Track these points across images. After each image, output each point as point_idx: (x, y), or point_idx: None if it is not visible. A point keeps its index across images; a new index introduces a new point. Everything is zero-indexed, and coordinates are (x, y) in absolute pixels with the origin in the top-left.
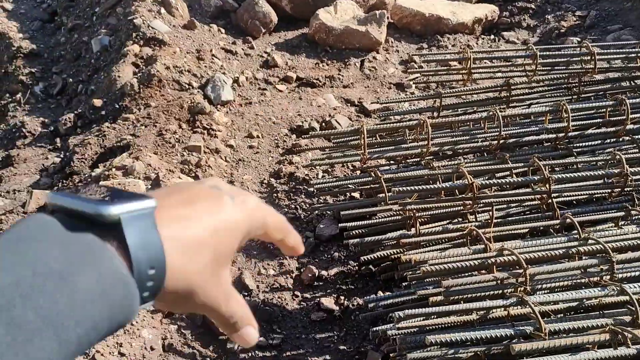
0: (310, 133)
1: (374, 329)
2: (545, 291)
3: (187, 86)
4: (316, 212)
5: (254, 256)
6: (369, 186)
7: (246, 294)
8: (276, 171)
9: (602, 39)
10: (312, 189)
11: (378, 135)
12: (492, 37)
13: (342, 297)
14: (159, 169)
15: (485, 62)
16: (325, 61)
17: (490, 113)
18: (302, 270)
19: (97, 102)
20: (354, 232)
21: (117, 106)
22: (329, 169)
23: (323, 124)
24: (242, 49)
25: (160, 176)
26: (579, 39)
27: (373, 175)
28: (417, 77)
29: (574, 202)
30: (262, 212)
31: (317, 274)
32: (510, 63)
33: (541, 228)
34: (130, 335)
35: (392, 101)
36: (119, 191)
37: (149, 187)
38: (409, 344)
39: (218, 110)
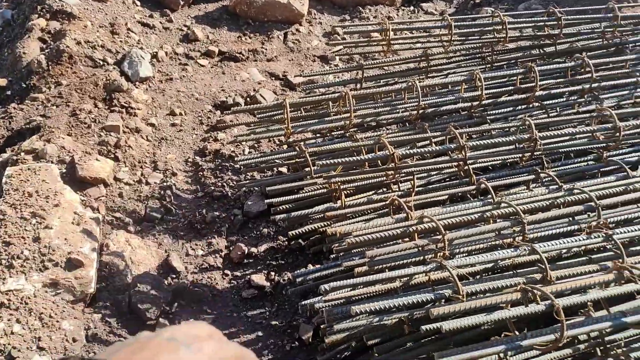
0: (232, 109)
1: (303, 302)
2: (464, 254)
3: (101, 62)
4: (243, 189)
5: (181, 237)
6: (294, 160)
7: (174, 276)
8: (201, 149)
9: (514, 9)
10: (238, 166)
11: (303, 109)
12: (412, 8)
13: (273, 273)
14: (74, 151)
15: (405, 33)
16: (247, 34)
17: (410, 84)
18: (231, 248)
19: (1, 82)
20: (281, 207)
21: (24, 85)
22: (256, 145)
23: (248, 98)
24: (160, 23)
25: (76, 159)
26: (492, 9)
27: (298, 149)
28: (340, 49)
29: (490, 167)
30: (219, 355)
31: (246, 252)
32: (428, 34)
33: (460, 194)
34: (49, 328)
35: (316, 74)
36: None
37: (64, 171)
38: (335, 315)
39: (137, 88)
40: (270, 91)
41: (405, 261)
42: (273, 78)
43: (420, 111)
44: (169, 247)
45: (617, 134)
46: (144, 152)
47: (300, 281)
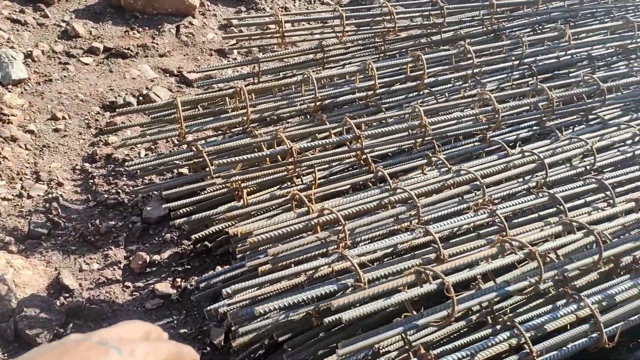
0: (117, 110)
1: (208, 308)
2: (366, 242)
3: None
4: (140, 194)
5: (72, 252)
6: (192, 161)
7: (67, 295)
8: (90, 154)
9: None
10: (133, 171)
11: (200, 106)
12: None
13: (179, 279)
14: None
15: (303, 24)
16: (136, 28)
17: (305, 76)
18: (131, 258)
19: None
20: (182, 210)
21: None
22: (153, 147)
23: (140, 97)
24: (34, 18)
25: None
26: None
27: (195, 149)
28: (236, 43)
29: (390, 154)
30: (153, 358)
31: (148, 260)
32: (322, 25)
33: (361, 183)
34: None
35: (212, 68)
36: None
37: None
38: (241, 317)
39: (9, 92)
40: (165, 88)
41: (308, 255)
42: (167, 74)
43: (318, 103)
44: (59, 264)
45: (497, 115)
46: (23, 163)
47: (204, 286)
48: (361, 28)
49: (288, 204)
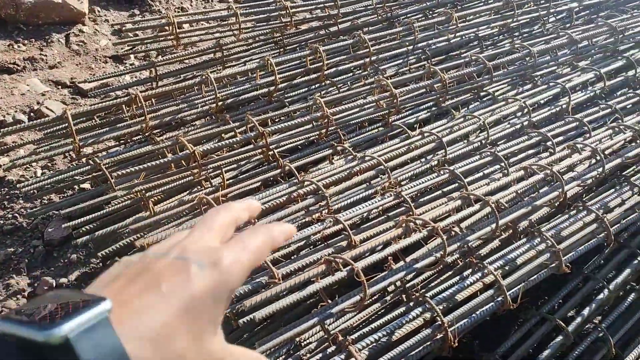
0: (5, 129)
1: None
2: None
3: None
4: (40, 216)
5: None
6: (91, 175)
7: None
8: None
9: None
10: (30, 191)
11: (98, 116)
12: None
13: None
14: None
15: (202, 24)
16: (21, 41)
17: (204, 77)
18: (36, 284)
19: None
20: (86, 227)
21: None
22: (50, 164)
23: (32, 113)
24: None
25: None
26: None
27: (92, 162)
28: (132, 48)
29: (299, 147)
30: (240, 264)
31: (55, 284)
32: (218, 23)
33: (271, 179)
34: None
35: (107, 76)
36: (68, 301)
37: None
38: None
39: None
40: (58, 102)
41: None
42: (59, 87)
43: (220, 103)
44: None
45: (395, 100)
46: None
47: None
48: (258, 24)
49: (198, 209)
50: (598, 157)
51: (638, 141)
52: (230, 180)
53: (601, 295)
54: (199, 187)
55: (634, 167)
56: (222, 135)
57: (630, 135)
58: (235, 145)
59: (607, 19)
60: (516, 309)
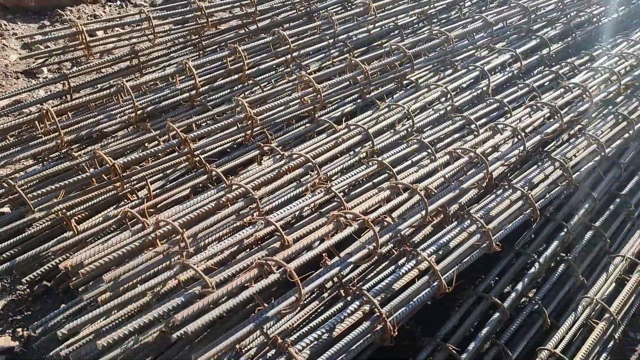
0: None
1: (48, 355)
2: (214, 244)
3: None
4: None
5: None
6: (8, 198)
7: None
8: None
9: None
10: None
11: (10, 136)
12: (119, 3)
13: (20, 329)
14: None
15: (118, 30)
16: None
17: (120, 86)
18: None
19: None
20: (6, 253)
21: None
22: None
23: None
24: None
25: None
26: None
27: (7, 184)
28: (45, 60)
29: (228, 149)
30: None
31: None
32: (131, 29)
33: (200, 185)
34: None
35: (18, 92)
36: None
37: None
38: (85, 357)
39: None
40: None
41: (151, 271)
42: None
43: (139, 112)
44: None
45: (319, 95)
46: None
47: (43, 330)
48: (175, 27)
49: (124, 223)
50: (519, 136)
51: (556, 117)
52: (158, 191)
53: (532, 269)
54: (125, 200)
55: (554, 142)
56: (146, 144)
57: (548, 112)
58: (159, 154)
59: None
60: (454, 291)
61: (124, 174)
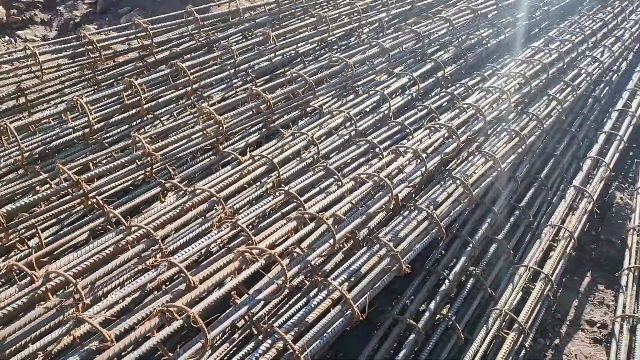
0: None
1: None
2: (114, 292)
3: None
4: None
5: None
6: None
7: None
8: None
9: (117, 22)
10: None
11: None
12: (7, 38)
13: None
14: None
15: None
16: None
17: (3, 127)
18: None
19: None
20: None
21: None
22: None
23: None
24: None
25: None
26: (95, 26)
27: None
28: None
29: (131, 187)
30: None
31: None
32: (15, 67)
33: (100, 228)
34: None
35: None
36: None
37: None
38: None
39: None
40: None
41: (42, 329)
42: None
43: (26, 153)
44: None
45: (220, 127)
46: None
47: None
48: (67, 63)
49: (11, 278)
50: (421, 157)
51: (453, 137)
52: (51, 237)
53: (443, 287)
54: (16, 250)
55: (455, 161)
56: (37, 188)
57: (445, 132)
58: (52, 198)
59: (414, 25)
60: (372, 313)
61: (12, 222)
